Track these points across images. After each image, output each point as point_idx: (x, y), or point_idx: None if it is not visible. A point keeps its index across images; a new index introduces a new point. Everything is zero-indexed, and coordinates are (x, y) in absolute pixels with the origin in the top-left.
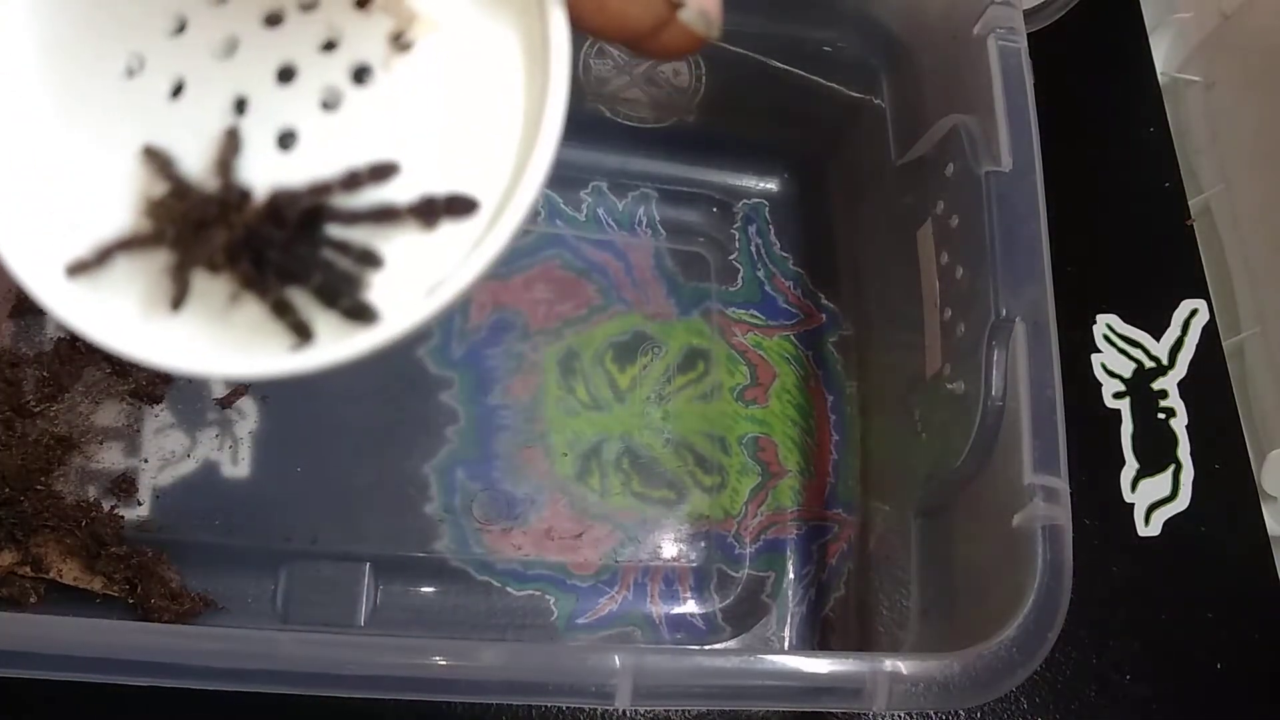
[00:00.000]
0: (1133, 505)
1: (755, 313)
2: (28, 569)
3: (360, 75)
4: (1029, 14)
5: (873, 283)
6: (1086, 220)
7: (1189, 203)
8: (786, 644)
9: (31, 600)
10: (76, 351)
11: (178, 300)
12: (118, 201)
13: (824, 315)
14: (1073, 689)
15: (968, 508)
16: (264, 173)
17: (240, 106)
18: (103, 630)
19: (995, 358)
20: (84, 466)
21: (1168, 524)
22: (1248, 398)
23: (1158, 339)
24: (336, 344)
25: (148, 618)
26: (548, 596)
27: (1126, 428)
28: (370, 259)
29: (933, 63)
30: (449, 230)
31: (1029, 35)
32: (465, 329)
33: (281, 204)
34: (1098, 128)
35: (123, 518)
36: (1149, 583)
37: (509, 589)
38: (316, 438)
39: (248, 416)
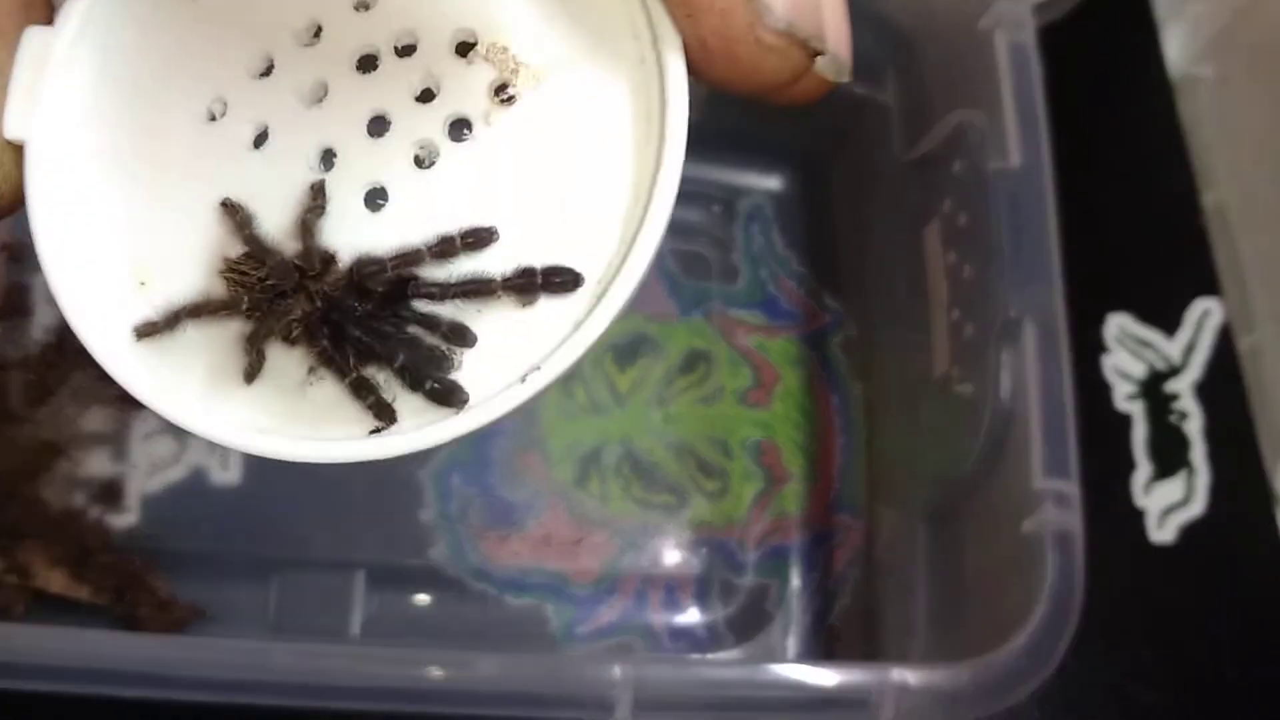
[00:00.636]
0: (1145, 510)
1: (758, 313)
2: (13, 577)
3: (458, 130)
4: (1038, 8)
5: (878, 282)
6: (1097, 218)
7: (1201, 200)
8: (791, 654)
9: (17, 609)
10: (63, 355)
11: (251, 374)
12: (191, 260)
13: (828, 316)
14: (1084, 698)
15: (976, 513)
16: (349, 235)
17: (327, 160)
18: (90, 640)
19: (1004, 359)
20: (71, 472)
21: (1181, 529)
22: (1264, 399)
23: (1170, 339)
24: (421, 430)
25: (136, 627)
26: (546, 605)
27: (1139, 430)
28: (461, 336)
29: (939, 58)
30: (548, 307)
31: (1038, 30)
32: None
33: (366, 273)
34: (1108, 124)
35: (110, 525)
36: (1162, 589)
37: (506, 598)
38: None
39: None
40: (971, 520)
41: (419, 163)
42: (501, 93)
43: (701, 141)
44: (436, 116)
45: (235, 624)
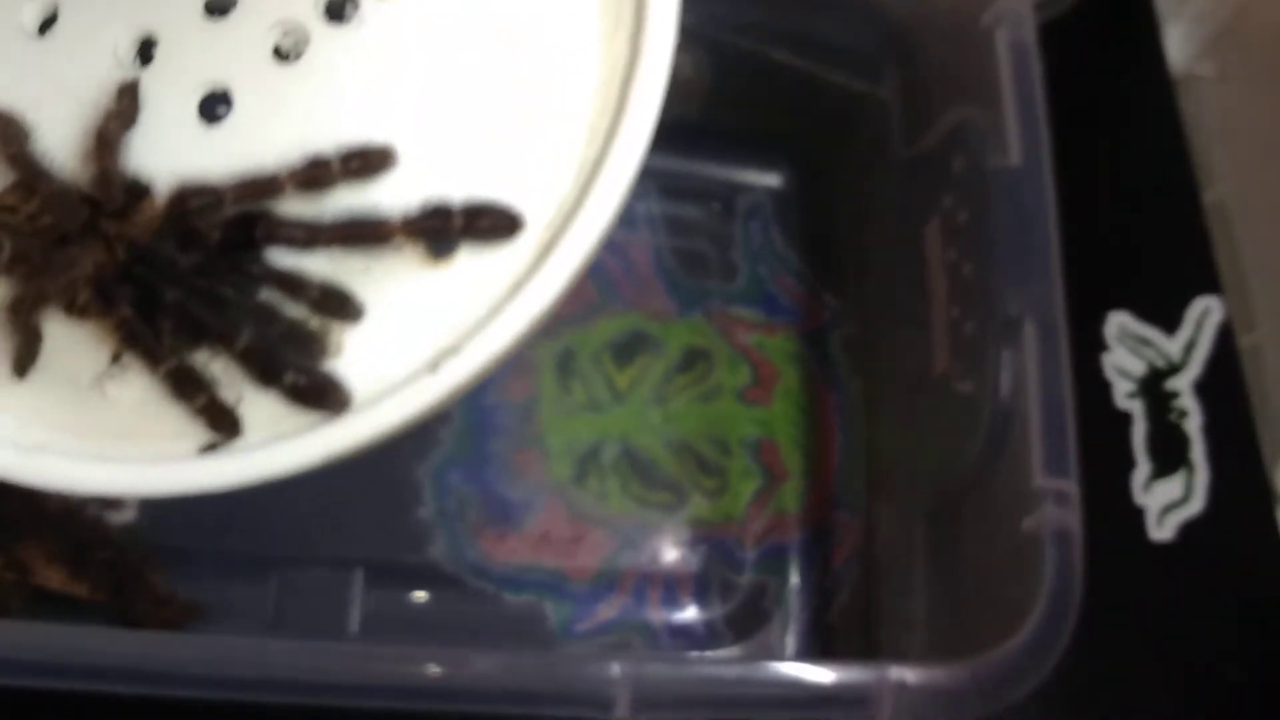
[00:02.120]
0: (1144, 508)
1: (757, 311)
2: (11, 574)
3: (338, 7)
4: (1039, 5)
5: (878, 280)
6: (1097, 216)
7: (1202, 198)
8: (790, 652)
9: (15, 606)
10: None
11: (24, 362)
12: None
13: (828, 313)
14: (1084, 697)
15: (976, 511)
16: (172, 156)
17: (145, 51)
18: (87, 637)
19: (1004, 357)
20: None
21: (1181, 528)
22: (1264, 397)
23: (1171, 337)
24: (276, 445)
25: (134, 624)
26: (544, 603)
27: (1138, 429)
28: (339, 305)
29: (939, 55)
30: (472, 263)
31: (1038, 27)
32: None
33: (193, 207)
34: (1109, 122)
35: (109, 522)
36: (1162, 587)
37: (504, 595)
38: None
39: None
40: (970, 518)
41: (280, 54)
42: None
43: (701, 139)
44: None
45: (233, 621)
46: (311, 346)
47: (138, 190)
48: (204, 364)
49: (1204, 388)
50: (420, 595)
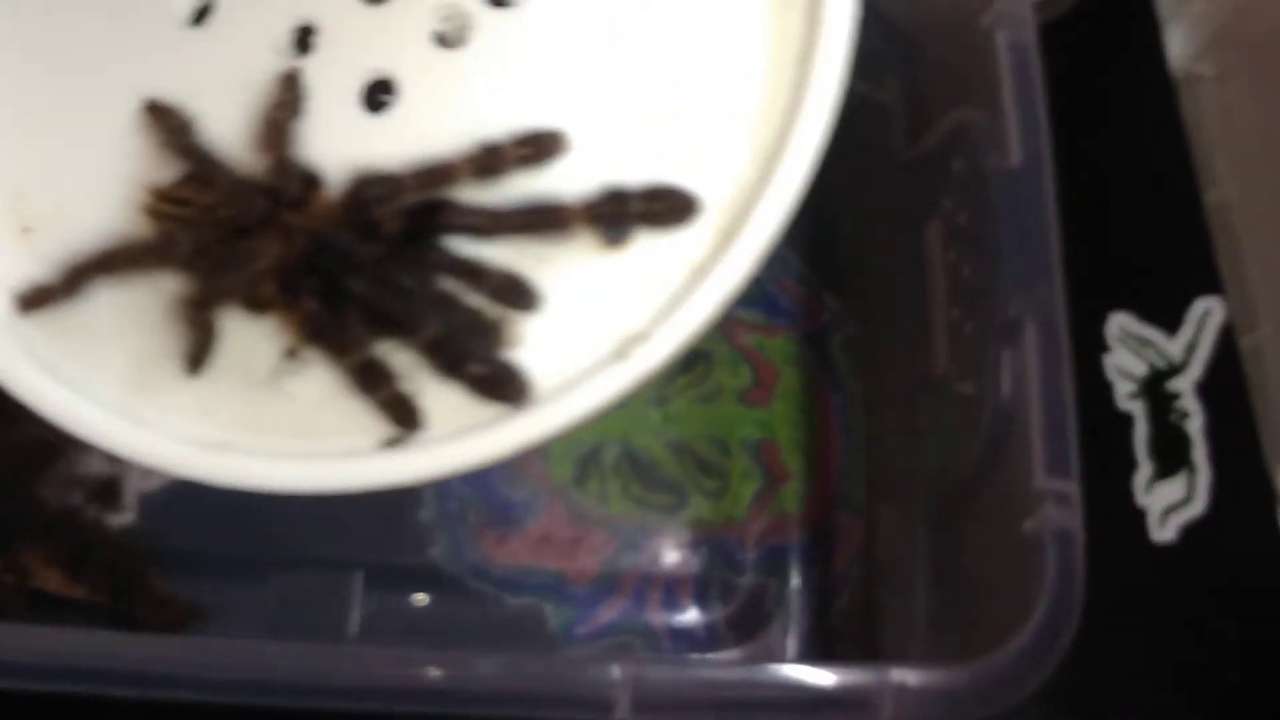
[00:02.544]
0: (1146, 510)
1: (758, 312)
2: (11, 576)
3: None
4: (1039, 6)
5: (878, 281)
6: (1098, 216)
7: (1203, 198)
8: (791, 654)
9: (14, 609)
10: None
11: (197, 358)
12: (100, 192)
13: (828, 315)
14: (1085, 699)
15: (976, 512)
16: (340, 146)
17: (303, 40)
18: (87, 640)
19: (1004, 358)
20: (68, 471)
21: (1182, 529)
22: (1266, 398)
23: (1172, 338)
24: (461, 440)
25: (133, 627)
26: (544, 605)
27: (1139, 430)
28: (519, 294)
29: (939, 55)
30: (648, 249)
31: (1038, 28)
32: None
33: (372, 196)
34: (1109, 122)
35: (108, 524)
36: (1164, 589)
37: (505, 597)
38: None
39: None
40: (971, 520)
41: (443, 40)
42: None
43: None
44: None
45: (233, 623)
46: (492, 336)
47: (311, 180)
48: (385, 356)
49: (1205, 389)
50: (420, 597)
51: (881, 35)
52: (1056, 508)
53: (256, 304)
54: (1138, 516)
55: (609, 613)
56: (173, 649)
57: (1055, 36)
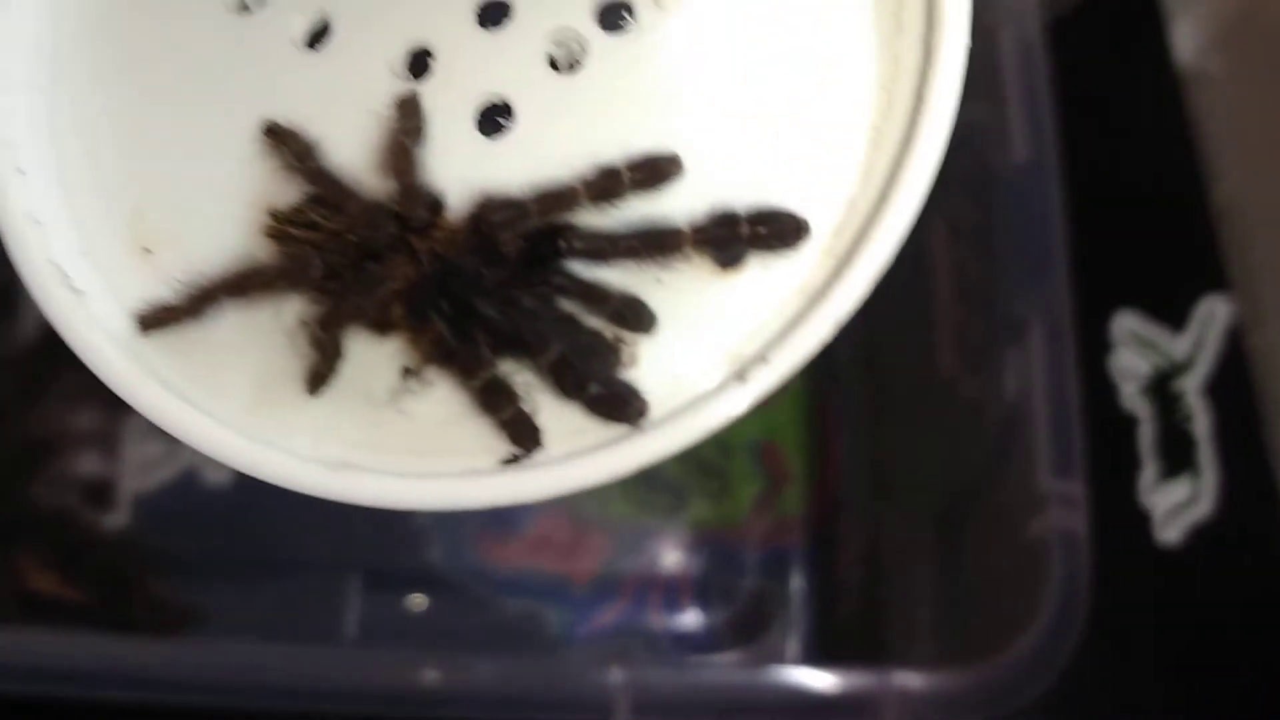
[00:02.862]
0: (1151, 511)
1: None
2: (4, 580)
3: (613, 16)
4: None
5: (882, 280)
6: (1103, 215)
7: (1210, 195)
8: (792, 657)
9: (8, 612)
10: (53, 352)
11: (320, 377)
12: (219, 213)
13: None
14: (1091, 702)
15: (981, 514)
16: (461, 171)
17: (419, 63)
18: (81, 643)
19: (1010, 358)
20: (62, 472)
21: (1188, 531)
22: (1272, 398)
23: (1178, 337)
24: (581, 458)
25: (128, 630)
26: (544, 608)
27: (1144, 430)
28: (636, 316)
29: None
30: (759, 271)
31: (1044, 24)
32: None
33: (497, 221)
34: (1115, 119)
35: (102, 526)
36: (1169, 591)
37: (503, 600)
38: None
39: None
40: (976, 522)
41: (556, 65)
42: None
43: None
44: None
45: (229, 627)
46: (610, 358)
47: (435, 204)
48: (508, 376)
49: (1211, 388)
50: (419, 600)
51: None
52: (1061, 510)
53: (381, 326)
54: (1143, 518)
55: (609, 615)
56: (168, 652)
57: (1061, 33)
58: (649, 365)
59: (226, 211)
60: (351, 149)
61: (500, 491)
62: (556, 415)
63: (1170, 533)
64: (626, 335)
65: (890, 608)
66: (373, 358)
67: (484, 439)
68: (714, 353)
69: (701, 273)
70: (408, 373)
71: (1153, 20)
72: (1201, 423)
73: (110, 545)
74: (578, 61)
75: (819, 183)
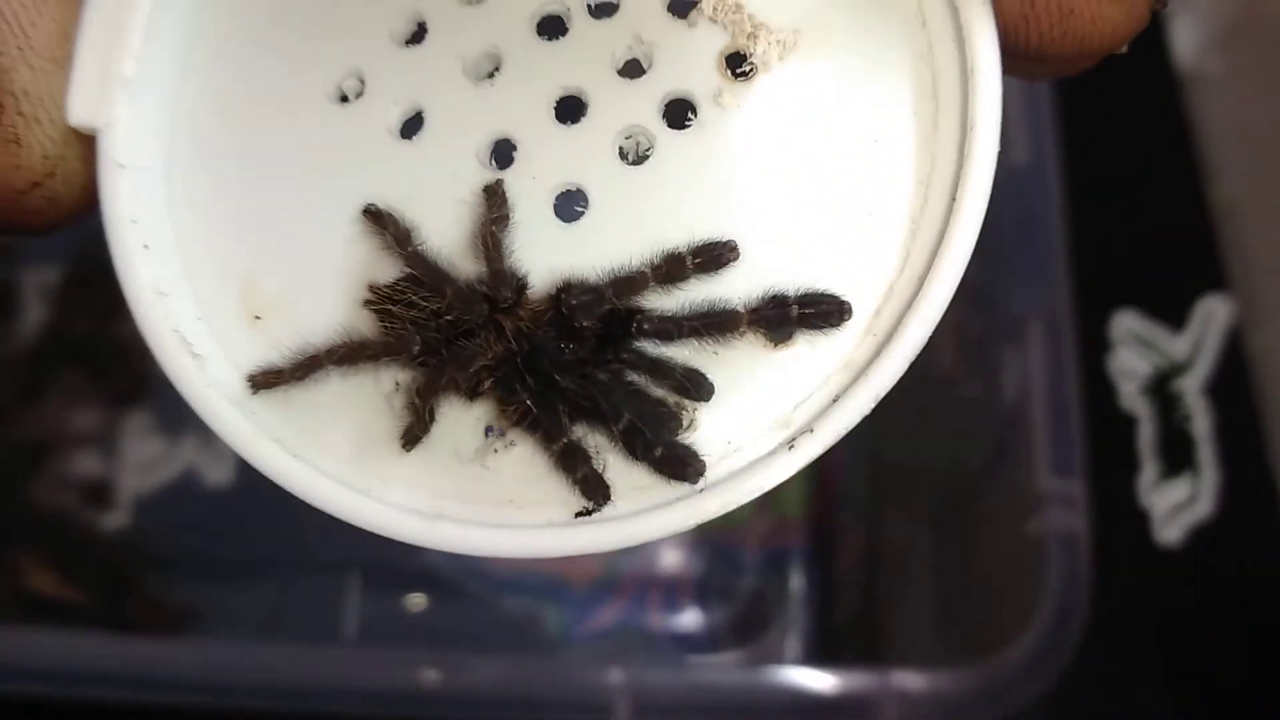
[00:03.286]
0: (1150, 511)
1: None
2: (4, 579)
3: (677, 114)
4: None
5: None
6: (1103, 215)
7: (1209, 195)
8: (792, 657)
9: (7, 611)
10: (54, 352)
11: (415, 437)
12: (322, 287)
13: None
14: (1090, 701)
15: (980, 514)
16: (540, 254)
17: (502, 154)
18: (80, 643)
19: (1009, 358)
20: (61, 473)
21: (1187, 530)
22: (1272, 398)
23: (1177, 337)
24: (647, 515)
25: (128, 629)
26: (543, 607)
27: (1144, 430)
28: (698, 387)
29: None
30: (805, 348)
31: None
32: None
33: (578, 304)
34: (1115, 121)
35: (102, 526)
36: (1168, 590)
37: (503, 600)
38: None
39: None
40: (975, 521)
41: (625, 156)
42: (736, 65)
43: None
44: (649, 96)
45: (228, 626)
46: (672, 423)
47: (520, 286)
48: (583, 439)
49: (1211, 388)
50: (418, 599)
51: None
52: (1061, 509)
53: (474, 394)
54: (1142, 518)
55: (608, 615)
56: (167, 652)
57: None
58: (707, 431)
59: (330, 285)
60: (443, 232)
61: (573, 542)
62: (624, 474)
63: (1170, 532)
64: (688, 404)
65: (890, 607)
66: (459, 420)
67: (560, 494)
68: (765, 420)
69: (755, 348)
70: (488, 432)
71: (1152, 23)
72: (1201, 422)
73: (109, 545)
74: (645, 154)
75: (862, 268)
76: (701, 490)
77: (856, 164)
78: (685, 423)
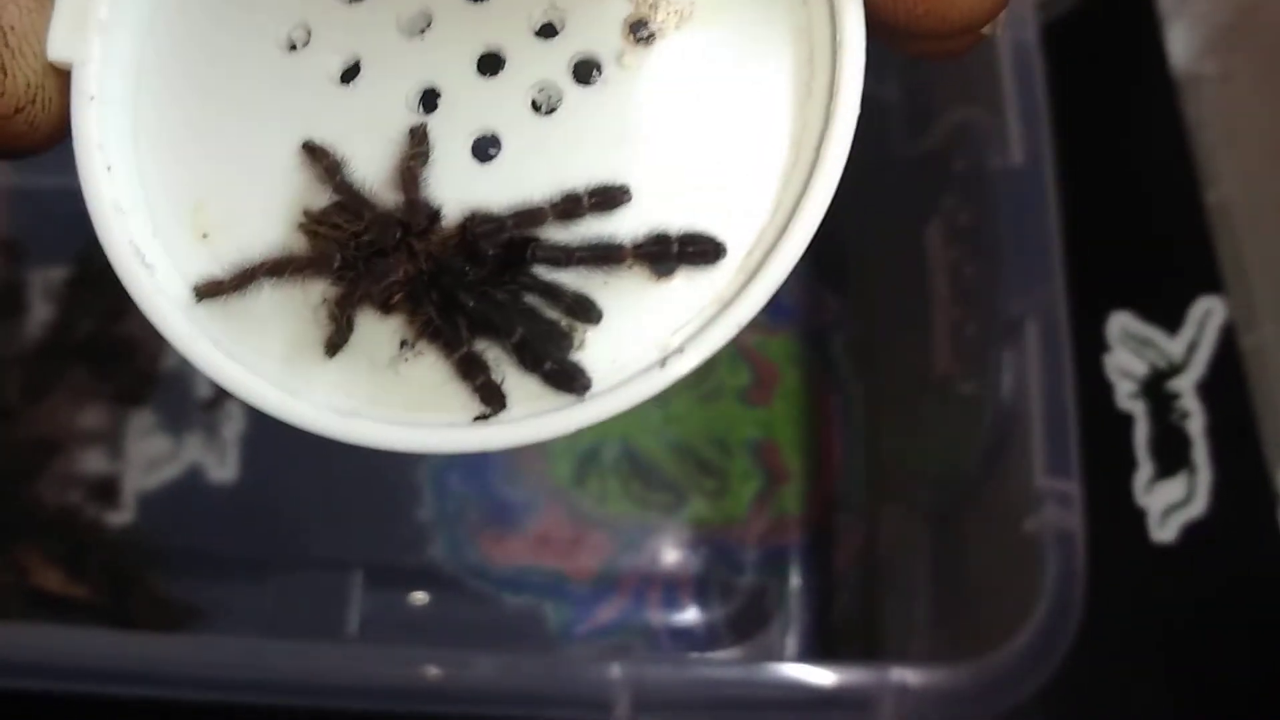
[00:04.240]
0: (1146, 510)
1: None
2: (10, 576)
3: (584, 72)
4: (1040, 5)
5: (880, 281)
6: (1099, 216)
7: (1204, 197)
8: (790, 653)
9: (14, 608)
10: (59, 351)
11: (335, 345)
12: (263, 211)
13: (829, 314)
14: (1086, 698)
15: (977, 512)
16: (454, 189)
17: (429, 101)
18: (86, 639)
19: (1006, 358)
20: (66, 470)
21: (1183, 529)
22: (1266, 398)
23: (1173, 338)
24: (535, 419)
25: (132, 626)
26: (544, 604)
27: (1140, 430)
28: (586, 310)
29: None
30: (686, 282)
31: (1040, 27)
32: None
33: (481, 231)
34: (1111, 121)
35: (107, 523)
36: (1164, 589)
37: (504, 597)
38: (305, 440)
39: (234, 418)
40: (973, 520)
41: (537, 107)
42: (638, 30)
43: None
44: (560, 55)
45: (232, 623)
46: (563, 342)
47: (433, 215)
48: (483, 352)
49: (1206, 388)
50: (419, 597)
51: None
52: (1057, 508)
53: (387, 307)
54: (1138, 517)
55: (609, 612)
56: (172, 648)
57: (1057, 35)
58: (594, 350)
59: (270, 209)
60: (371, 166)
61: (471, 440)
62: (518, 385)
63: (1165, 531)
64: (578, 325)
65: (888, 604)
66: (377, 332)
67: (462, 400)
68: (646, 343)
69: (640, 279)
70: (403, 344)
71: (1148, 24)
72: (1196, 422)
73: (115, 542)
74: (554, 106)
75: (738, 214)
76: (586, 400)
77: (739, 123)
78: (575, 342)
